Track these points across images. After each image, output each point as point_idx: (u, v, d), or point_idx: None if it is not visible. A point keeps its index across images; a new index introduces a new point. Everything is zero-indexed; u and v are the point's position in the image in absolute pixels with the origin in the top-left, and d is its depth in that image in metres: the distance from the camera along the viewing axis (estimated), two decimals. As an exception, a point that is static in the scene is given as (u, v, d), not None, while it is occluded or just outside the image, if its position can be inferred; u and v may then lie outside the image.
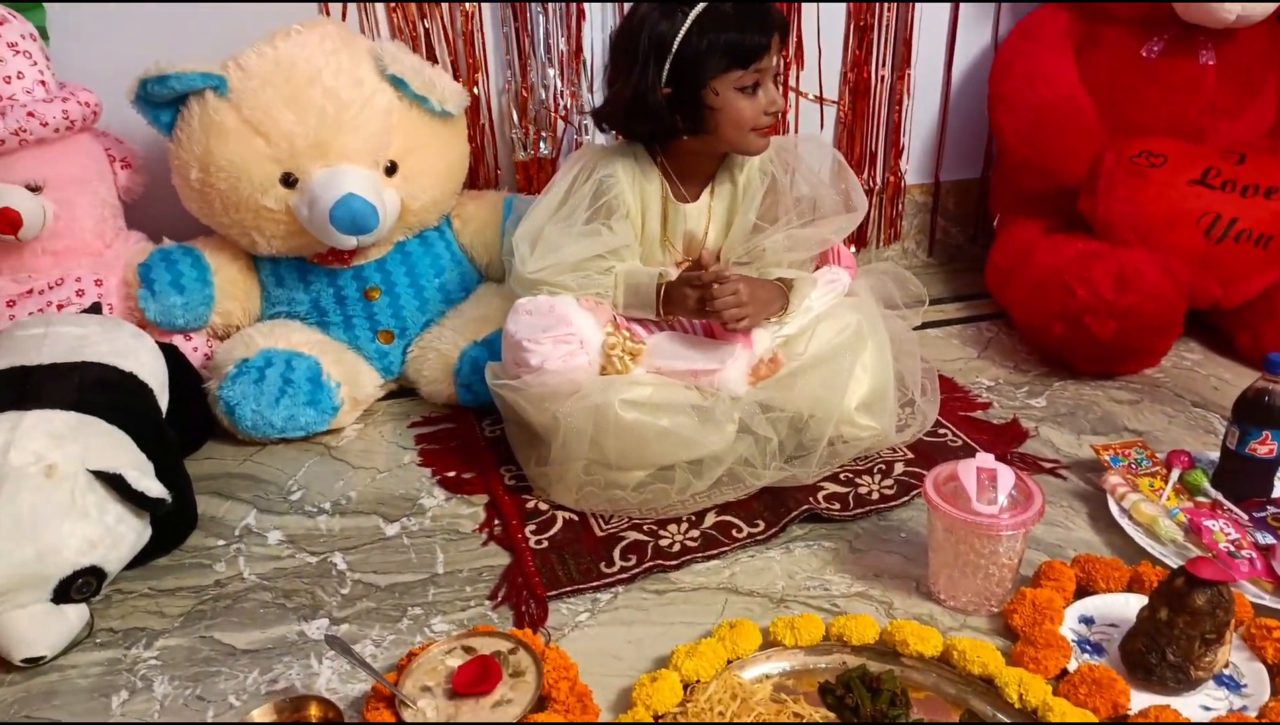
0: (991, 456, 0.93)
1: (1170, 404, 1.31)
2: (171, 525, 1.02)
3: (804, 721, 0.80)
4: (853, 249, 1.69)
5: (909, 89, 1.66)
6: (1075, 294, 1.30)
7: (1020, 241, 1.50)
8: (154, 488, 0.94)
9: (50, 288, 1.22)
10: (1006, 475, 0.92)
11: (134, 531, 0.95)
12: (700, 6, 1.07)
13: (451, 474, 1.18)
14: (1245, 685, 0.84)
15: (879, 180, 1.73)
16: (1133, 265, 1.28)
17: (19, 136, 1.15)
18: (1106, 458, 1.14)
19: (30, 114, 1.15)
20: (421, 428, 1.29)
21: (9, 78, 1.15)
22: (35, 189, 1.19)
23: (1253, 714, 0.80)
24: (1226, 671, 0.85)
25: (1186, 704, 0.81)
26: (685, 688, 0.82)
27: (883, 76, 1.64)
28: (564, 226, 1.13)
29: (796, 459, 1.11)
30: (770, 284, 1.13)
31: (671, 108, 1.10)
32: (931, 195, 1.78)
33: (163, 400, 1.12)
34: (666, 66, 1.08)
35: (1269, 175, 1.35)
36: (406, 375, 1.35)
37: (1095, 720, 0.78)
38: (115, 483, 0.92)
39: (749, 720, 0.79)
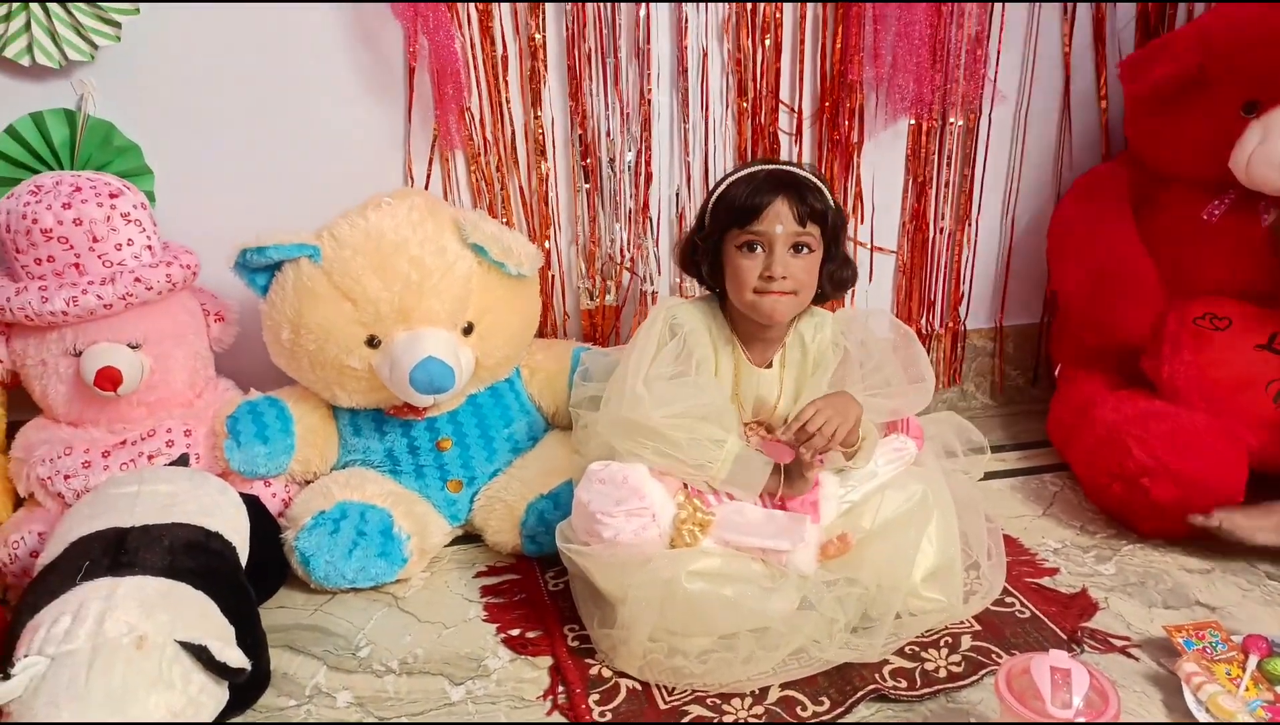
0: (1065, 654, 0.92)
1: (1244, 575, 1.28)
2: (246, 685, 1.04)
3: None
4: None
5: (969, 240, 1.69)
6: (1132, 454, 1.29)
7: (1082, 395, 1.50)
8: (235, 658, 0.96)
9: (143, 439, 1.28)
10: (1081, 675, 0.90)
11: (213, 699, 0.97)
12: (747, 168, 1.18)
13: (516, 633, 1.19)
14: None
15: (937, 326, 1.75)
16: (1193, 428, 1.27)
17: (126, 301, 1.23)
18: (1180, 641, 1.11)
19: (138, 279, 1.24)
20: (486, 578, 1.31)
21: (120, 245, 1.24)
22: (135, 346, 1.27)
23: None
24: None
25: None
26: None
27: (942, 228, 1.68)
28: (664, 376, 1.17)
29: (862, 631, 1.11)
30: (841, 393, 1.15)
31: (704, 254, 1.20)
32: (992, 340, 1.79)
33: (243, 553, 1.17)
34: (707, 215, 1.19)
35: (1336, 340, 1.35)
36: (473, 522, 1.38)
37: None
38: (200, 654, 0.95)
39: None
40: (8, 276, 1.24)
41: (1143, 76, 1.45)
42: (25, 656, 0.91)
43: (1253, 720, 0.98)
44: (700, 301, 1.26)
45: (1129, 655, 1.13)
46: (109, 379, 1.22)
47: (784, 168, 1.17)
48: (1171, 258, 1.49)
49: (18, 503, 1.31)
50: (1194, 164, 1.46)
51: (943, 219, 1.67)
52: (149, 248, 1.28)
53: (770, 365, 1.24)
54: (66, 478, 1.24)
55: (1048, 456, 1.60)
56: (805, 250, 1.16)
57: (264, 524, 1.25)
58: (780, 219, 1.13)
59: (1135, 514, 1.35)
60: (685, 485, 1.14)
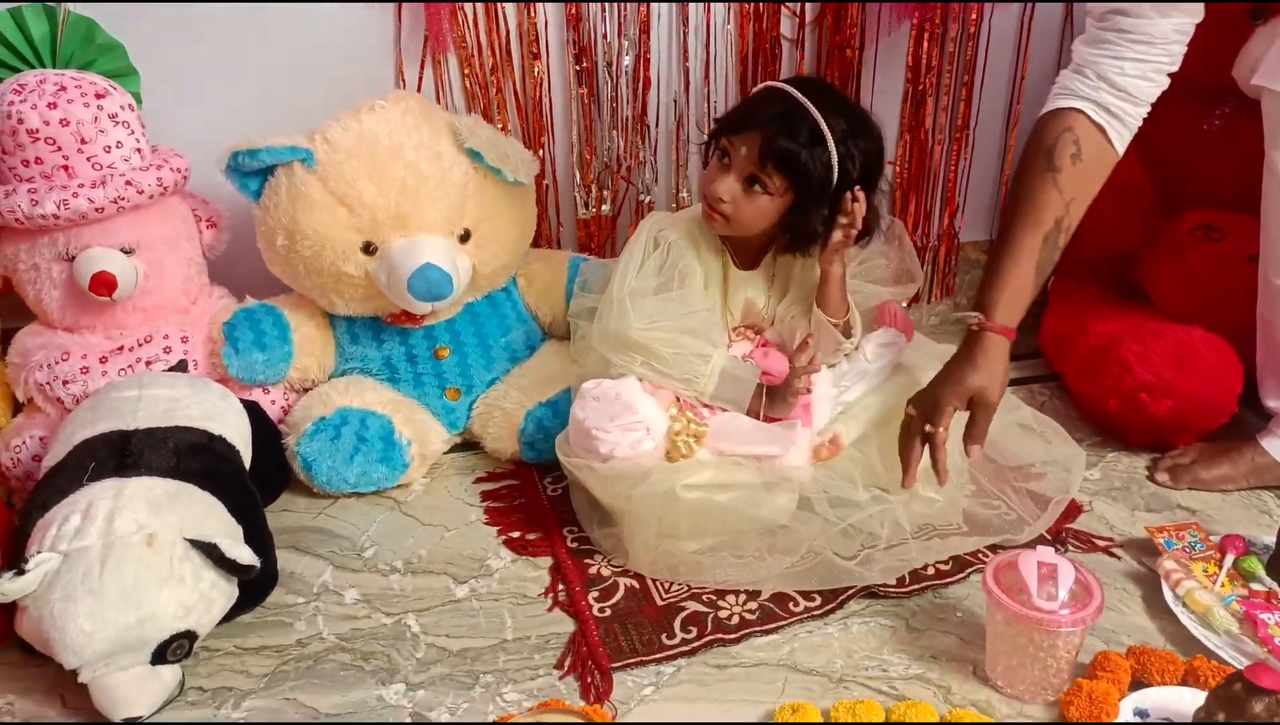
0: (1051, 550, 0.96)
1: (1225, 480, 1.32)
2: (255, 583, 1.07)
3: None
4: (904, 305, 1.71)
5: (967, 150, 1.68)
6: (1132, 370, 1.31)
7: (1076, 306, 1.51)
8: (244, 555, 0.99)
9: (140, 345, 1.28)
10: (1067, 570, 0.94)
11: (224, 595, 1.00)
12: (774, 83, 1.16)
13: (516, 535, 1.22)
14: (1301, 791, 0.85)
15: (933, 237, 1.75)
16: (1192, 346, 1.29)
17: (117, 204, 1.21)
18: (1160, 541, 1.15)
19: (128, 182, 1.22)
20: (486, 484, 1.34)
21: (109, 147, 1.22)
22: (128, 251, 1.25)
23: (1309, 822, 0.82)
24: (1283, 776, 0.86)
25: (1242, 809, 0.83)
26: (750, 773, 0.86)
27: (940, 139, 1.66)
28: (649, 290, 1.17)
29: (884, 550, 1.12)
30: (828, 329, 1.19)
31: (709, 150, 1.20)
32: (985, 252, 1.79)
33: (247, 458, 1.18)
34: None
35: (1331, 251, 1.36)
36: (471, 430, 1.39)
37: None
38: (209, 551, 0.97)
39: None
40: (-4, 180, 1.22)
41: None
42: (38, 553, 0.93)
43: (1226, 613, 1.02)
44: (686, 214, 1.26)
45: (1111, 554, 1.17)
46: (104, 284, 1.22)
47: (794, 97, 1.11)
48: (1169, 168, 1.49)
49: (16, 408, 1.31)
50: (1195, 70, 1.45)
51: (941, 131, 1.65)
52: (138, 150, 1.25)
53: (757, 267, 1.25)
54: (65, 383, 1.24)
55: (1037, 367, 1.62)
56: (758, 187, 1.13)
57: (264, 430, 1.26)
58: (745, 145, 1.11)
59: (1130, 427, 1.37)
60: (678, 398, 1.16)
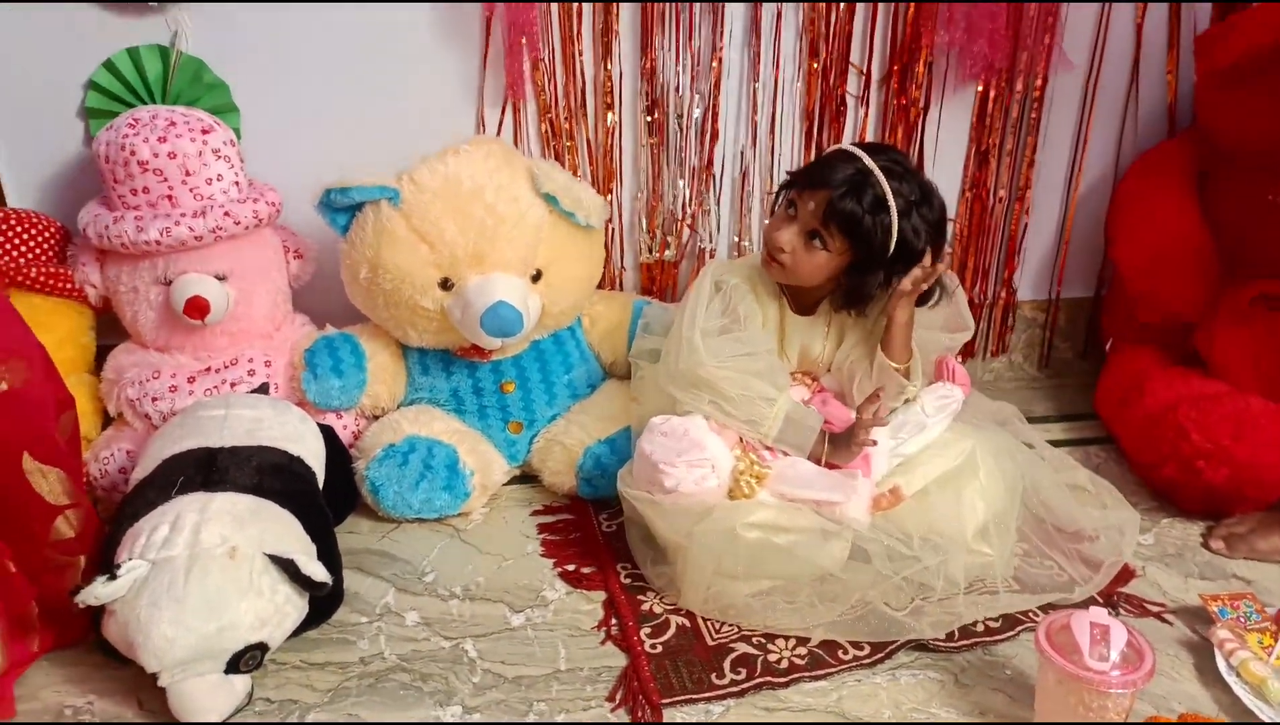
0: (1104, 611, 0.96)
1: (1283, 552, 1.31)
2: (323, 601, 1.12)
3: None
4: (961, 359, 1.73)
5: (1027, 210, 1.70)
6: (1190, 438, 1.31)
7: (1133, 370, 1.52)
8: (318, 572, 1.03)
9: (226, 367, 1.35)
10: (1119, 632, 0.95)
11: (296, 610, 1.05)
12: (848, 147, 1.21)
13: (571, 568, 1.26)
14: None
15: (989, 295, 1.77)
16: (1250, 415, 1.29)
17: (215, 234, 1.29)
18: (1214, 609, 1.15)
19: (227, 213, 1.29)
20: (543, 517, 1.38)
21: (210, 180, 1.30)
22: (221, 278, 1.33)
23: None
24: None
25: None
26: (797, 816, 0.87)
27: (1001, 197, 1.69)
28: (714, 330, 1.22)
29: (934, 603, 1.14)
30: (890, 374, 1.23)
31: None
32: (1043, 311, 1.80)
33: (321, 479, 1.23)
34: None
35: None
36: (530, 464, 1.44)
37: None
38: (286, 567, 1.02)
39: None
40: (104, 206, 1.31)
41: (1217, 51, 1.44)
42: (128, 560, 0.98)
43: (1282, 687, 1.02)
44: (746, 260, 1.32)
45: (1164, 620, 1.17)
46: (197, 308, 1.29)
47: (863, 162, 1.16)
48: (1232, 237, 1.49)
49: (106, 421, 1.39)
50: (1261, 142, 1.46)
51: (1002, 188, 1.68)
52: (236, 184, 1.33)
53: (815, 313, 1.28)
54: (154, 400, 1.31)
55: (1093, 428, 1.62)
56: (818, 243, 1.19)
57: (337, 453, 1.32)
58: (813, 201, 1.17)
59: (1186, 494, 1.36)
60: (741, 439, 1.19)
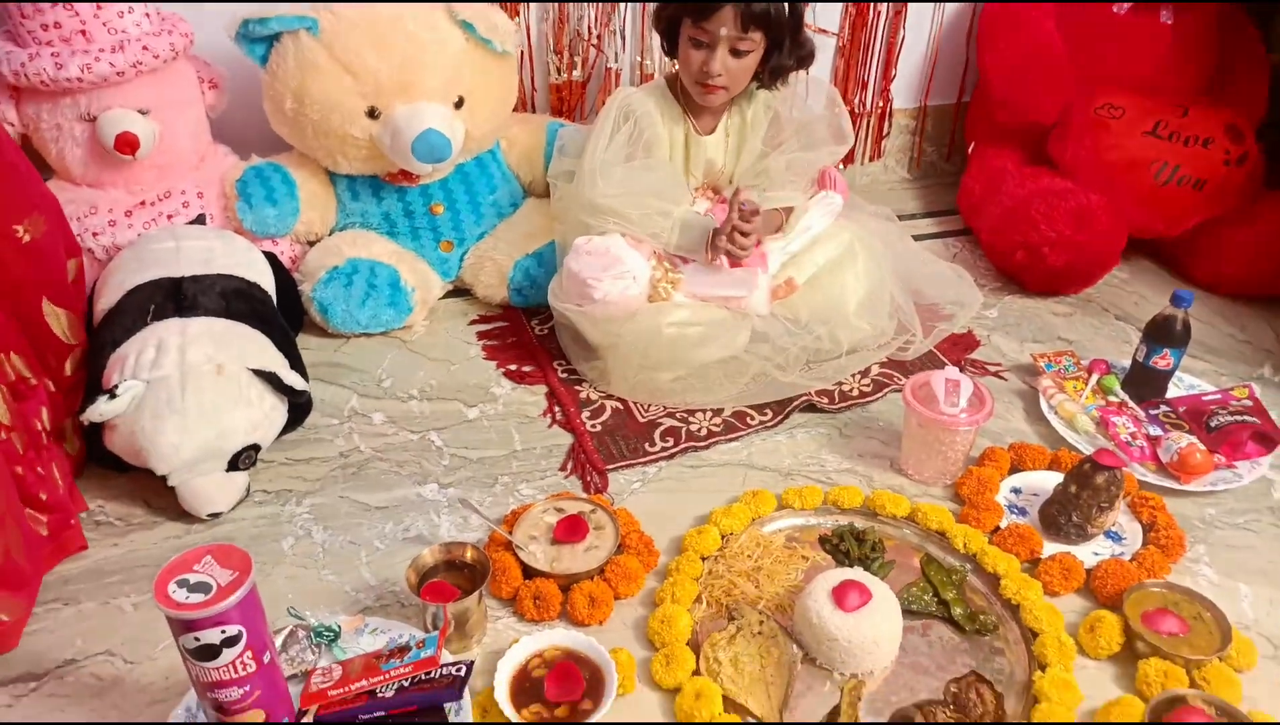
0: (956, 369, 1.21)
1: (1098, 317, 1.59)
2: (299, 407, 1.26)
3: (809, 563, 1.09)
4: (842, 166, 1.91)
5: (904, 24, 1.84)
6: (1039, 227, 1.55)
7: (993, 169, 1.73)
8: (298, 382, 1.17)
9: (160, 200, 1.39)
10: (967, 384, 1.19)
11: (281, 415, 1.19)
12: None
13: (513, 367, 1.43)
14: (1125, 538, 1.15)
15: (869, 105, 1.93)
16: (1090, 207, 1.53)
17: (136, 69, 1.30)
18: (1042, 364, 1.42)
19: (145, 47, 1.30)
20: (480, 326, 1.53)
21: (122, 13, 1.30)
22: (144, 112, 1.35)
23: (1128, 557, 1.11)
24: (1113, 528, 1.15)
25: (1082, 550, 1.12)
26: (722, 538, 1.11)
27: (879, 12, 1.82)
28: (619, 159, 1.34)
29: (814, 365, 1.37)
30: (774, 213, 1.39)
31: (666, 32, 1.34)
32: (915, 119, 1.99)
33: (274, 301, 1.34)
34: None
35: (1206, 127, 1.59)
36: (463, 278, 1.57)
37: (1018, 561, 1.09)
38: (270, 379, 1.15)
39: (769, 561, 1.08)
40: (13, 43, 1.29)
41: None
42: (123, 381, 1.09)
43: (1087, 418, 1.30)
44: (651, 87, 1.43)
45: (1001, 377, 1.44)
46: (127, 143, 1.32)
47: None
48: (1081, 49, 1.68)
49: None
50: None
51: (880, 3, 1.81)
52: (147, 15, 1.33)
53: (715, 132, 1.43)
54: (95, 234, 1.36)
55: (954, 223, 1.86)
56: (745, 53, 1.31)
57: (280, 277, 1.41)
58: (724, 23, 1.27)
59: (1030, 275, 1.62)
60: (656, 252, 1.35)
